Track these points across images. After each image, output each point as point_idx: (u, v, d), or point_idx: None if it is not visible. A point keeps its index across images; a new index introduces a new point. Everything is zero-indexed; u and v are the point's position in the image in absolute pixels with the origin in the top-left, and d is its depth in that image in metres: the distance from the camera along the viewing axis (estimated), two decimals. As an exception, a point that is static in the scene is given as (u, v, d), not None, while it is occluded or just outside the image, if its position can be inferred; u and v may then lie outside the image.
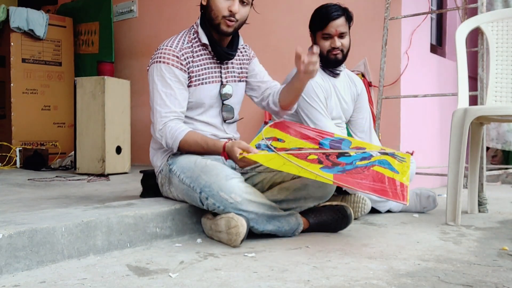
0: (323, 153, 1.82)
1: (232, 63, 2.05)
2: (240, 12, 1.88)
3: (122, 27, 5.14)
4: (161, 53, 1.90)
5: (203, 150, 1.86)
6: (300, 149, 1.83)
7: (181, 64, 1.89)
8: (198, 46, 1.96)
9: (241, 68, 2.09)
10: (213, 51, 1.96)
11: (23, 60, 4.67)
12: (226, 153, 1.78)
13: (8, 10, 4.55)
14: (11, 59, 4.59)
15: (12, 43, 4.59)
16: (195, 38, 1.97)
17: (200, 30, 1.95)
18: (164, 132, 1.87)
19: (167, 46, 1.91)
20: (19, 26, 4.55)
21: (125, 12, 5.11)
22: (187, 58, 1.91)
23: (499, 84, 2.41)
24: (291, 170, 1.67)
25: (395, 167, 1.79)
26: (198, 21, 1.98)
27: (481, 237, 1.88)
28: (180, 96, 1.89)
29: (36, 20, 4.64)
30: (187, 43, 1.94)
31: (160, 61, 1.88)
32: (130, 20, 5.09)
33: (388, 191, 1.64)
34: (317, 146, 1.89)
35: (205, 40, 1.94)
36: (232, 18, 1.87)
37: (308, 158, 1.76)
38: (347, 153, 1.85)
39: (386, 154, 1.89)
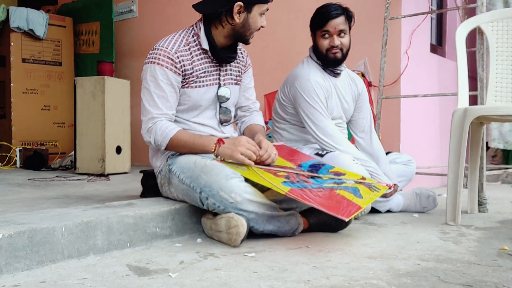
0: (296, 173, 1.85)
1: (230, 65, 2.05)
2: None
3: (122, 27, 5.13)
4: (156, 53, 1.89)
5: (194, 143, 1.88)
6: (278, 166, 1.87)
7: (175, 67, 1.88)
8: (198, 49, 1.95)
9: (238, 71, 2.09)
10: (213, 56, 1.96)
11: (23, 60, 4.67)
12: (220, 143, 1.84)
13: (8, 10, 4.56)
14: (11, 59, 4.60)
15: (12, 43, 4.59)
16: (194, 41, 1.95)
17: (202, 35, 1.94)
18: (153, 129, 1.90)
19: (162, 47, 1.90)
20: (19, 26, 4.55)
21: (125, 12, 5.12)
22: (183, 60, 1.90)
23: (499, 84, 2.41)
24: (254, 178, 1.74)
25: (362, 194, 1.78)
26: (201, 25, 1.95)
27: (481, 237, 1.88)
28: (171, 99, 1.91)
29: (36, 20, 4.64)
30: (184, 45, 1.92)
31: (154, 62, 1.89)
32: (130, 20, 5.09)
33: (335, 207, 1.63)
34: (295, 166, 1.92)
35: (206, 46, 1.94)
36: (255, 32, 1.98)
37: (278, 174, 1.80)
38: (319, 177, 1.86)
39: (361, 183, 1.88)
